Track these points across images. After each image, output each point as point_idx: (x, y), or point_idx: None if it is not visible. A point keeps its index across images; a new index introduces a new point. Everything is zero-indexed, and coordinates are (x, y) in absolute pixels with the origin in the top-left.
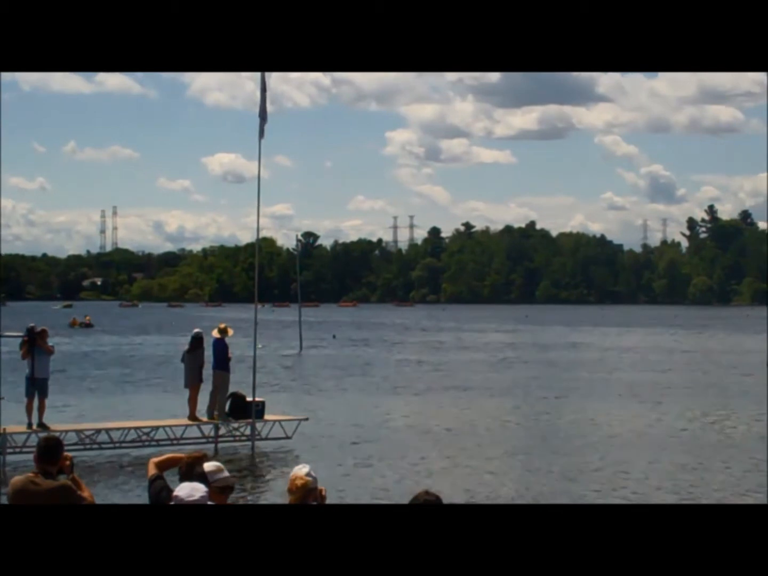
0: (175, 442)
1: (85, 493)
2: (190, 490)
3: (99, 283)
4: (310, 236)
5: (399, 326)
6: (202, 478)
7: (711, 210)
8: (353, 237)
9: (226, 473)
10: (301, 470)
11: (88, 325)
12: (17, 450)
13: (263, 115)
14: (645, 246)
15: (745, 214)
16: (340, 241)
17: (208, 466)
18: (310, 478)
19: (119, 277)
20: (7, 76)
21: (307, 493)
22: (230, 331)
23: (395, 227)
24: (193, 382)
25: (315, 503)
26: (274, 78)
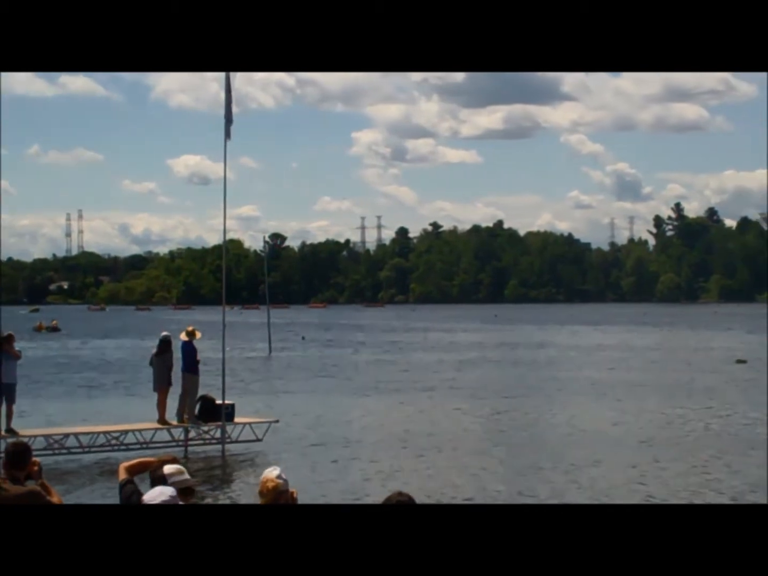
0: (144, 445)
1: (54, 499)
2: (157, 494)
3: (66, 287)
4: (277, 237)
5: (368, 327)
6: (162, 480)
7: (677, 208)
8: (320, 238)
9: (186, 476)
10: (271, 473)
11: (55, 329)
12: None
13: (229, 116)
14: (612, 244)
15: (712, 212)
16: (308, 242)
17: (168, 468)
18: (281, 481)
19: (86, 280)
20: None
21: (278, 495)
22: (198, 334)
23: (362, 228)
24: (162, 385)
25: None
26: (239, 79)
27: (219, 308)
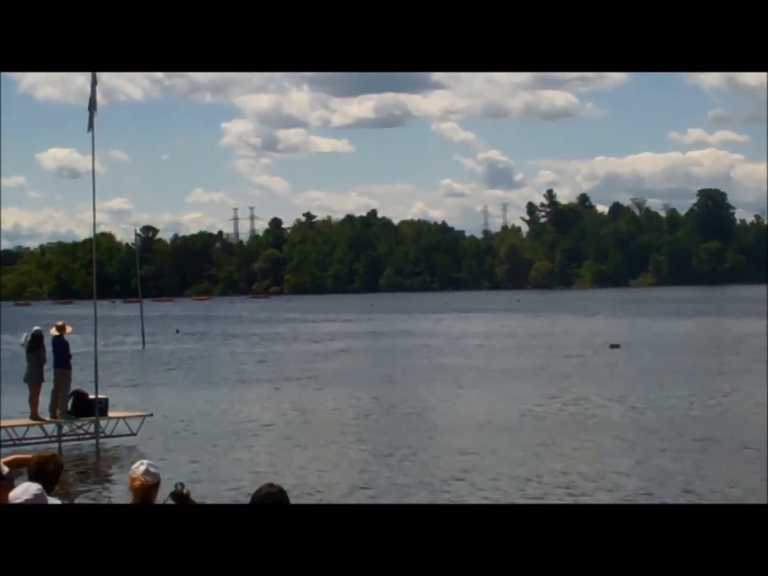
0: (17, 442)
1: None
2: (21, 492)
3: None
4: (149, 230)
5: (243, 319)
6: None
7: (550, 194)
8: (193, 230)
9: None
10: (138, 469)
11: None
12: None
13: (93, 106)
14: (486, 232)
15: (583, 198)
16: (180, 234)
17: None
18: (147, 477)
19: None
20: None
21: (146, 492)
22: (68, 328)
23: (235, 219)
24: (35, 380)
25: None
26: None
27: (99, 302)
